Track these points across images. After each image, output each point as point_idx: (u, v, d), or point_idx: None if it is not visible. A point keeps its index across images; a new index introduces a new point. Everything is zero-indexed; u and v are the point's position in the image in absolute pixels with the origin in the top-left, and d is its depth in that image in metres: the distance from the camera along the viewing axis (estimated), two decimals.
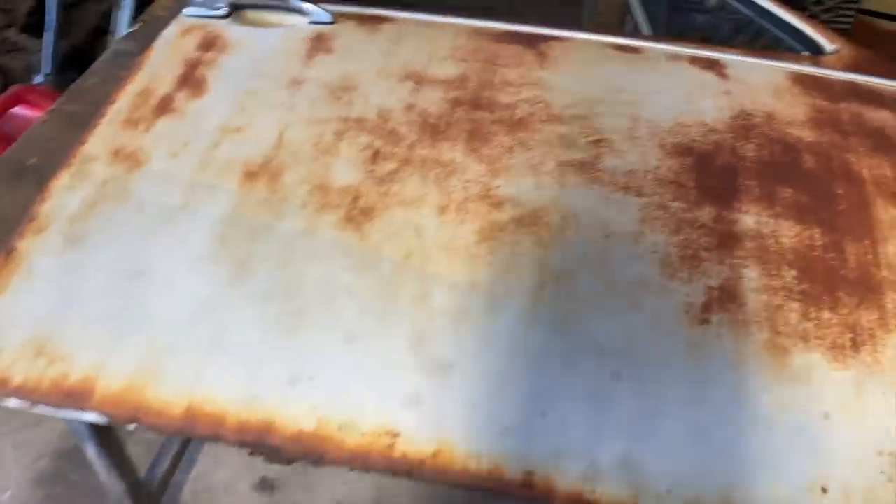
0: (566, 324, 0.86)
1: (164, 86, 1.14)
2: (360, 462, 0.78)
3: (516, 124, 1.07)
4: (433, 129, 1.06)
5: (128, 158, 1.03)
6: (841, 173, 1.03)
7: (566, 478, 0.77)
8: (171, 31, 1.25)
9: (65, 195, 0.99)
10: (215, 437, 0.80)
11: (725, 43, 1.39)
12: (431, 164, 1.02)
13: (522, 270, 0.91)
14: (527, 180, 1.00)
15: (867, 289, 0.90)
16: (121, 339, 0.86)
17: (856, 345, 0.85)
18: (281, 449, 0.79)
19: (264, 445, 0.80)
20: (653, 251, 0.93)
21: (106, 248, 0.94)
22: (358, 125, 1.07)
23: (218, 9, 1.26)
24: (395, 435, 0.79)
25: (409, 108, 1.09)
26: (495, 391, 0.82)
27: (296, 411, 0.81)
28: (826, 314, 0.87)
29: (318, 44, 1.21)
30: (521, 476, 0.77)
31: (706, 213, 0.97)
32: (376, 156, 1.03)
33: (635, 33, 1.95)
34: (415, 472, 0.77)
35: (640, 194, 0.99)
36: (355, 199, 0.98)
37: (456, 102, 1.10)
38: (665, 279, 0.90)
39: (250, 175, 1.00)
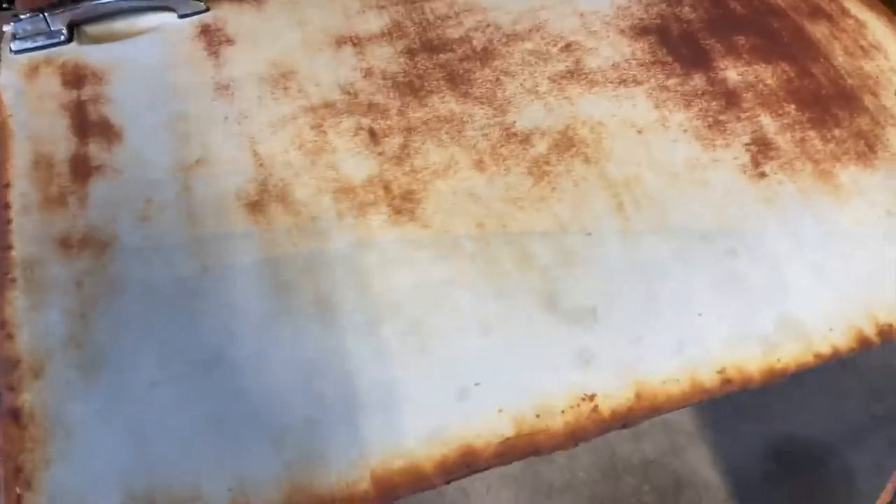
0: (662, 226, 0.86)
1: (61, 144, 0.89)
2: (577, 437, 0.73)
3: (484, 55, 1.01)
4: (411, 88, 0.96)
5: (86, 244, 0.80)
6: (766, 10, 1.12)
7: (745, 355, 0.79)
8: (9, 79, 0.96)
9: (35, 320, 0.75)
10: (422, 489, 0.70)
11: None
12: (435, 123, 0.93)
13: (592, 193, 0.88)
14: (535, 106, 0.96)
15: (848, 98, 1.02)
16: (243, 444, 0.70)
17: (872, 148, 0.96)
18: (493, 463, 0.71)
19: (475, 467, 0.71)
20: (683, 130, 0.95)
21: (143, 355, 0.74)
22: (330, 110, 0.93)
23: (55, 34, 1.00)
24: (592, 397, 0.75)
25: (368, 73, 0.97)
26: (644, 311, 0.81)
27: (484, 422, 0.73)
28: (837, 131, 0.98)
29: (211, 37, 1.01)
30: (717, 374, 0.78)
31: (700, 81, 1.01)
32: (374, 136, 0.91)
33: None
34: (630, 421, 0.75)
35: (638, 83, 1.00)
36: (387, 188, 0.87)
37: (410, 53, 1.01)
38: (710, 151, 0.94)
39: (255, 207, 0.84)
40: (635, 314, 0.81)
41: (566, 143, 0.93)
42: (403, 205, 0.86)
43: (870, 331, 0.82)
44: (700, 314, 0.81)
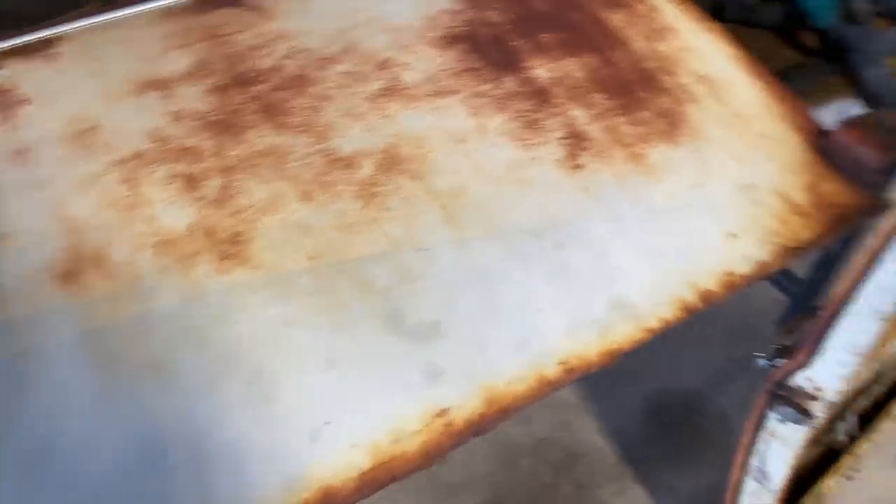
0: (493, 230, 0.89)
1: None
2: (434, 455, 0.74)
3: (298, 82, 0.99)
4: (225, 126, 0.93)
5: None
6: (567, 5, 1.17)
7: (584, 342, 0.83)
8: None
9: None
10: None
11: None
12: (255, 159, 0.91)
13: (422, 207, 0.89)
14: (356, 128, 0.95)
15: (649, 81, 1.08)
16: None
17: (675, 125, 1.03)
18: (355, 498, 0.71)
19: None
20: (501, 134, 0.98)
21: None
22: (140, 161, 0.89)
23: None
24: (445, 411, 0.76)
25: (177, 116, 0.94)
26: (486, 316, 0.83)
27: (339, 460, 0.72)
28: (643, 113, 1.03)
29: (3, 100, 0.94)
30: (559, 366, 0.81)
31: (511, 83, 1.04)
32: (190, 181, 0.88)
33: None
34: (483, 428, 0.76)
35: (453, 93, 1.01)
36: (211, 234, 0.84)
37: (221, 89, 0.97)
38: (528, 150, 0.97)
39: (68, 277, 0.79)
40: (478, 320, 0.83)
41: (391, 161, 0.93)
42: (230, 249, 0.83)
43: (693, 298, 0.88)
44: (540, 309, 0.84)
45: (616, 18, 1.17)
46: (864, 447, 2.07)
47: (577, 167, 0.97)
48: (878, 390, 2.18)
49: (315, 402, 0.76)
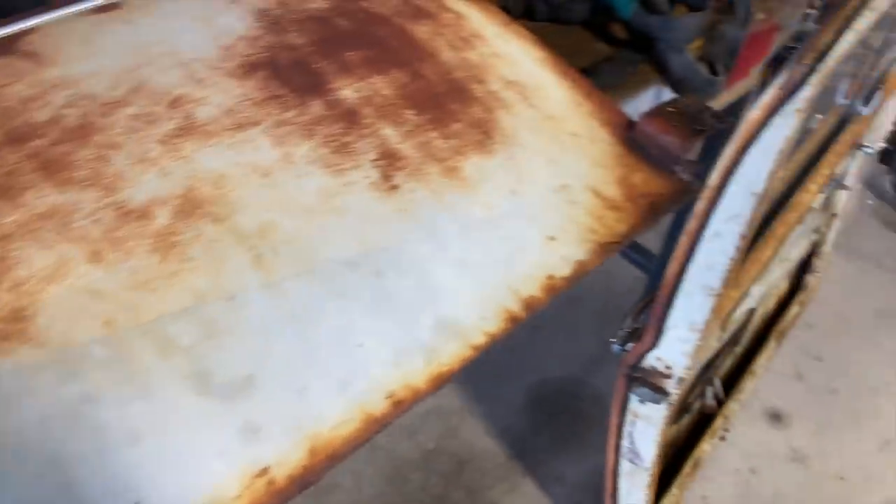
0: (306, 267, 0.85)
1: None
2: None
3: (81, 133, 0.92)
4: None
5: None
6: (371, 20, 1.15)
7: (410, 371, 0.81)
8: None
9: None
10: None
11: None
12: (35, 223, 0.82)
13: (228, 252, 0.84)
14: (148, 175, 0.89)
15: (460, 91, 1.07)
16: None
17: (488, 134, 1.02)
18: None
19: None
20: (309, 162, 0.94)
21: None
22: None
23: None
24: (265, 470, 0.71)
25: None
26: (303, 360, 0.79)
27: None
28: (455, 126, 1.03)
29: None
30: (386, 400, 0.78)
31: (318, 107, 1.00)
32: None
33: None
34: (308, 480, 0.72)
35: (255, 124, 0.97)
36: None
37: None
38: (340, 176, 0.93)
39: None
40: (295, 367, 0.79)
41: (190, 206, 0.87)
42: (12, 327, 0.75)
43: (516, 308, 0.88)
44: (361, 344, 0.81)
45: (422, 30, 1.16)
46: (732, 407, 2.19)
47: (393, 188, 0.94)
48: (739, 351, 2.31)
49: (121, 483, 0.69)
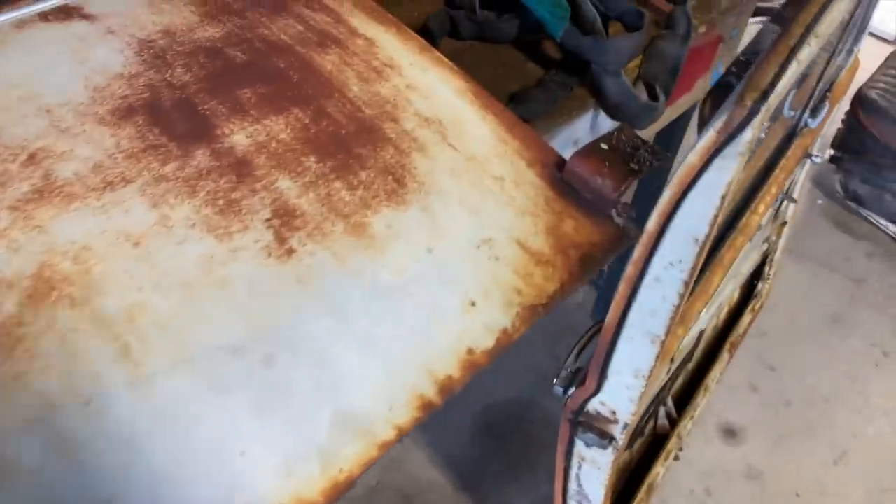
0: (182, 356, 0.73)
1: None
2: None
3: None
4: None
5: None
6: (268, 50, 1.03)
7: (304, 480, 0.70)
8: None
9: None
10: None
11: None
12: None
13: (86, 345, 0.72)
14: None
15: (369, 132, 0.96)
16: None
17: (401, 181, 0.91)
18: None
19: None
20: (191, 225, 0.82)
21: None
22: None
23: None
24: None
25: None
26: (170, 477, 0.67)
27: None
28: (363, 174, 0.91)
29: None
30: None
31: (203, 158, 0.88)
32: None
33: None
34: None
35: (128, 181, 0.84)
36: None
37: None
38: (227, 241, 0.81)
39: None
40: (164, 486, 0.67)
41: (44, 288, 0.75)
42: None
43: (431, 392, 0.77)
44: (243, 452, 0.70)
45: (328, 60, 1.04)
46: (686, 425, 2.13)
47: (288, 253, 0.83)
48: (691, 367, 2.25)
49: None
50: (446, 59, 1.09)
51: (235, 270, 0.80)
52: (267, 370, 0.74)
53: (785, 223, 2.34)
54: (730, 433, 2.27)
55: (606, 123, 1.30)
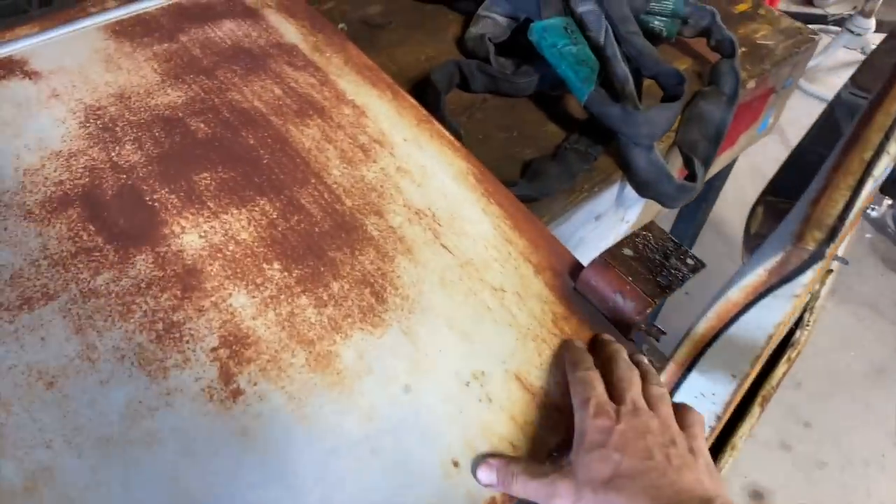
0: None
1: None
2: None
3: None
4: None
5: None
6: (238, 121, 0.88)
7: None
8: None
9: None
10: None
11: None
12: None
13: None
14: None
15: (347, 230, 0.81)
16: None
17: (380, 297, 0.77)
18: None
19: None
20: (118, 357, 0.68)
21: None
22: None
23: None
24: None
25: None
26: None
27: None
28: (334, 286, 0.77)
29: None
30: None
31: (143, 265, 0.74)
32: None
33: None
34: None
35: (49, 297, 0.70)
36: None
37: None
38: (157, 381, 0.68)
39: None
40: None
41: None
42: None
43: None
44: None
45: (307, 135, 0.89)
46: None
47: (234, 395, 0.69)
48: (717, 426, 2.09)
49: None
50: (447, 133, 0.93)
51: (167, 421, 0.66)
52: None
53: (831, 271, 2.16)
54: (757, 496, 2.10)
55: (634, 196, 1.14)
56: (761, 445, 2.16)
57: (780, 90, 1.36)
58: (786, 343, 2.43)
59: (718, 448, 2.15)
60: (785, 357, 2.38)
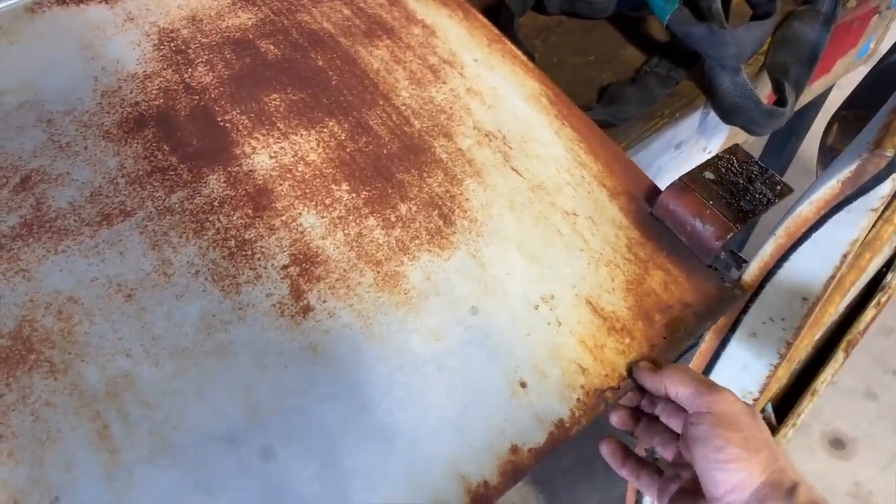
0: (167, 444, 0.62)
1: None
2: None
3: None
4: None
5: None
6: (307, 42, 0.88)
7: None
8: None
9: None
10: None
11: None
12: None
13: (62, 425, 0.62)
14: None
15: (415, 152, 0.80)
16: None
17: (448, 219, 0.76)
18: None
19: None
20: (193, 274, 0.70)
21: None
22: None
23: None
24: None
25: None
26: None
27: None
28: (402, 208, 0.76)
29: None
30: None
31: (215, 184, 0.76)
32: None
33: None
34: None
35: (127, 214, 0.73)
36: None
37: None
38: (231, 297, 0.69)
39: None
40: None
41: (22, 349, 0.65)
42: None
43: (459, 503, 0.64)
44: None
45: (376, 56, 0.88)
46: (786, 433, 1.92)
47: (305, 311, 0.70)
48: (796, 368, 2.02)
49: None
50: (520, 54, 0.90)
51: (240, 334, 0.68)
52: (266, 464, 0.63)
53: None
54: (838, 444, 2.04)
55: (717, 124, 1.08)
56: (845, 393, 2.09)
57: (885, 10, 1.25)
58: (875, 285, 2.31)
59: (797, 393, 2.08)
60: (874, 301, 2.26)
